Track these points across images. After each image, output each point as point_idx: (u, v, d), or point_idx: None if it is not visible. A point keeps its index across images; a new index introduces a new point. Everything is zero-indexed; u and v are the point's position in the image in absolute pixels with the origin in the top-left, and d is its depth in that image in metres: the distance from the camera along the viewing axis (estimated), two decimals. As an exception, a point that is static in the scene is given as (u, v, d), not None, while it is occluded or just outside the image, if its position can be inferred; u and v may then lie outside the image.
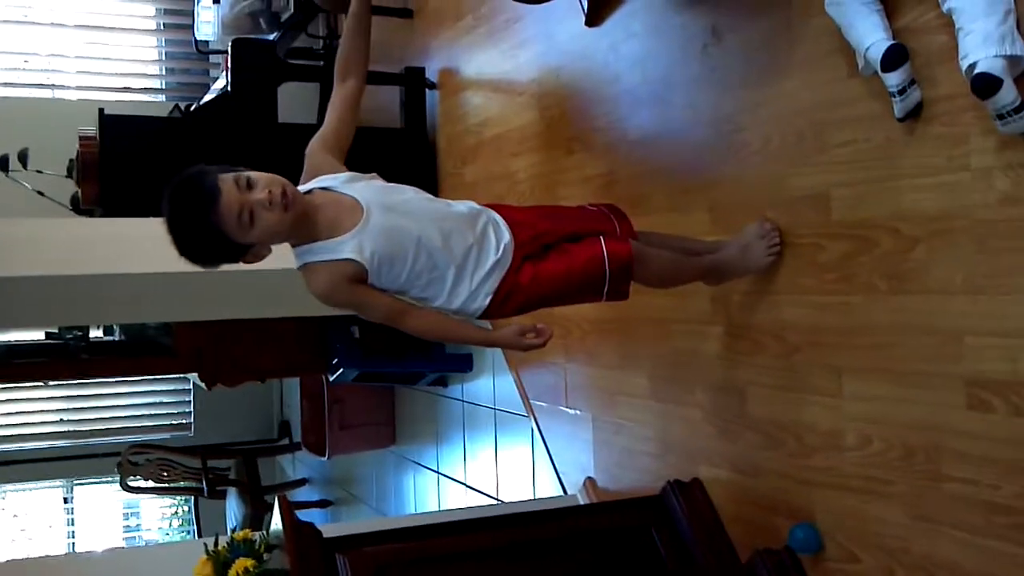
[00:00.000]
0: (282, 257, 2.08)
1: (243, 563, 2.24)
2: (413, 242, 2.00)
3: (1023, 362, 1.87)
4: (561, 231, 2.20)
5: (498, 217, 2.13)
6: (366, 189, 2.03)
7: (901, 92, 1.96)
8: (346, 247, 1.96)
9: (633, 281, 2.23)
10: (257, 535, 2.44)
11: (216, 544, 2.36)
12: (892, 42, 1.95)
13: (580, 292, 2.20)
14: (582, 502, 3.36)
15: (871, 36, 1.99)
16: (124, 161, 4.00)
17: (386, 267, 1.99)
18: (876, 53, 1.95)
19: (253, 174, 1.89)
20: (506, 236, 2.09)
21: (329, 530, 2.49)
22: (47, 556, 3.49)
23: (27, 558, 3.28)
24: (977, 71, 1.74)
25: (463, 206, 2.12)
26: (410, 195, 2.10)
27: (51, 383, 6.84)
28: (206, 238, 1.88)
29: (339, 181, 2.03)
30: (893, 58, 1.93)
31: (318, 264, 1.98)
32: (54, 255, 3.33)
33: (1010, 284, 1.89)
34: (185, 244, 1.89)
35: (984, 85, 1.74)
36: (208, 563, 2.30)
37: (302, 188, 2.03)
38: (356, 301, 2.03)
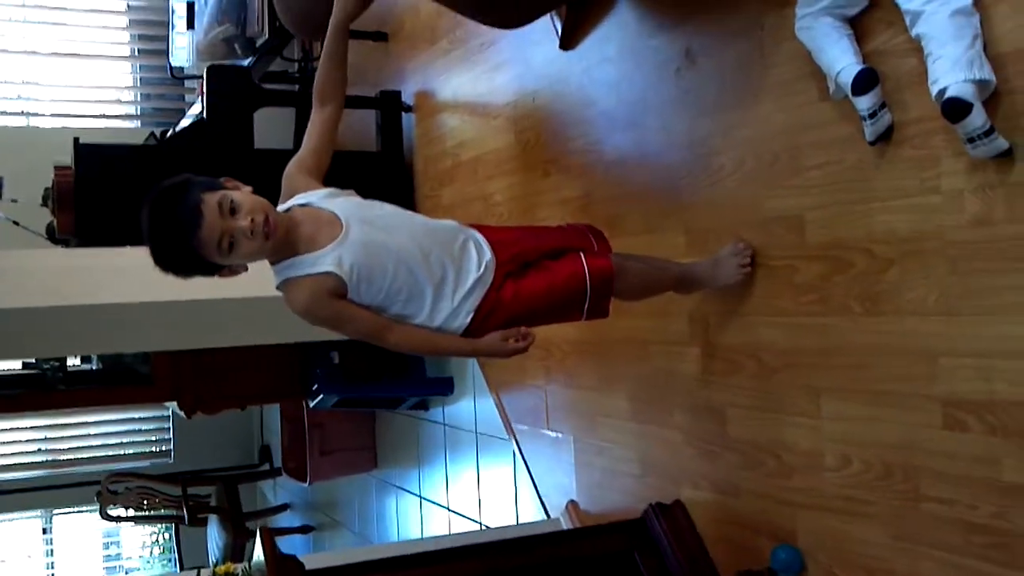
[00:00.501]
0: (263, 285, 2.07)
1: (224, 597, 2.22)
2: (392, 257, 1.99)
3: (997, 382, 1.89)
4: (542, 248, 2.21)
5: (479, 236, 2.13)
6: (345, 204, 2.03)
7: (872, 116, 1.98)
8: (326, 260, 1.95)
9: (612, 296, 2.24)
10: (239, 568, 2.42)
11: (197, 578, 2.35)
12: (862, 66, 1.98)
13: (562, 309, 2.21)
14: (565, 525, 3.35)
15: (841, 61, 2.01)
16: (99, 190, 3.98)
17: (365, 282, 1.98)
18: (847, 77, 1.98)
19: (237, 197, 1.88)
20: (487, 254, 2.10)
21: (311, 561, 2.47)
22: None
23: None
24: (947, 96, 1.76)
25: (444, 223, 2.14)
26: (389, 210, 2.10)
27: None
28: (184, 257, 1.88)
29: (318, 197, 2.04)
30: (864, 82, 1.95)
31: (298, 279, 1.97)
32: (30, 286, 3.31)
33: (982, 305, 1.90)
34: (162, 258, 1.89)
35: (954, 110, 1.76)
36: (189, 598, 2.28)
37: (281, 207, 2.03)
38: (336, 316, 2.02)
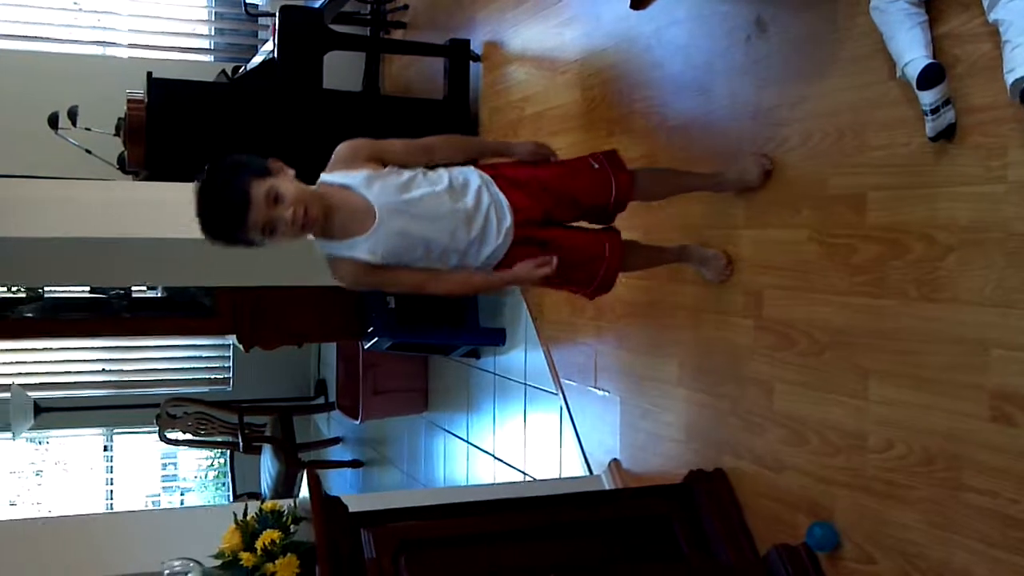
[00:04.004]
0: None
1: (270, 535, 2.30)
2: (421, 243, 2.21)
3: (1049, 379, 1.87)
4: (564, 196, 2.36)
5: (502, 198, 2.28)
6: (382, 190, 2.18)
7: (934, 111, 1.95)
8: (360, 249, 2.16)
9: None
10: (285, 506, 2.50)
11: (245, 514, 2.42)
12: (930, 60, 1.94)
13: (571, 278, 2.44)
14: (607, 483, 3.39)
15: (911, 52, 1.97)
16: (170, 125, 4.06)
17: (395, 259, 2.21)
18: (913, 71, 1.94)
19: (282, 188, 2.05)
20: (508, 220, 2.27)
21: (355, 503, 2.55)
22: (86, 514, 3.60)
23: (67, 515, 3.38)
24: (1026, 84, 1.73)
25: (470, 196, 2.25)
26: (424, 190, 2.22)
27: (94, 334, 6.95)
28: (230, 236, 2.08)
29: (358, 180, 2.17)
30: (930, 77, 1.92)
31: (338, 258, 2.20)
32: (96, 217, 3.40)
33: (1040, 300, 1.88)
34: (210, 233, 2.08)
35: None
36: (237, 533, 2.36)
37: (326, 177, 2.19)
38: (378, 282, 2.28)
